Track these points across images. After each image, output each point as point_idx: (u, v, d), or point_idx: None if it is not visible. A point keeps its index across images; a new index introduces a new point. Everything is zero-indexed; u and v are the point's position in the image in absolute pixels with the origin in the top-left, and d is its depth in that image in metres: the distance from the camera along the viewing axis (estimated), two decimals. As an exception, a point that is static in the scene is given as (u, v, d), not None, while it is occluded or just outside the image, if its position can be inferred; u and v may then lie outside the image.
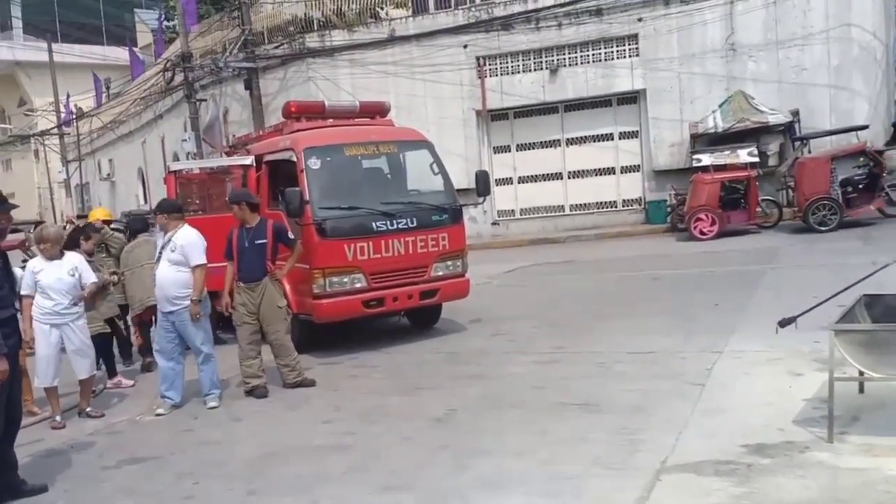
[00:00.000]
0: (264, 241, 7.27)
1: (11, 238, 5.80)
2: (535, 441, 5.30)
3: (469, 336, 9.10)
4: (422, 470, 5.01)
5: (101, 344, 8.08)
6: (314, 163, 8.50)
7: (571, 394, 6.30)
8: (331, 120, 9.62)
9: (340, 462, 5.30)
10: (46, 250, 6.78)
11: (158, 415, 6.94)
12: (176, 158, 26.34)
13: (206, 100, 22.00)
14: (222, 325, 9.29)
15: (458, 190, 9.43)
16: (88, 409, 7.12)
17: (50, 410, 6.94)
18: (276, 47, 19.77)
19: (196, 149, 21.62)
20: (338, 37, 19.30)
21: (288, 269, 7.53)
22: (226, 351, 8.01)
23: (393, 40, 19.11)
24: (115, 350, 8.69)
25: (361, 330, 9.51)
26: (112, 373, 8.35)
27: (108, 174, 35.08)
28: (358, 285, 8.30)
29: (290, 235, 7.56)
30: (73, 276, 6.81)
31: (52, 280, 6.66)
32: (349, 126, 9.47)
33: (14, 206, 5.34)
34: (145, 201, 30.13)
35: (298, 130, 9.20)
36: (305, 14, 19.98)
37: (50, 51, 34.48)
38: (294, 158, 8.62)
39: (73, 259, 6.96)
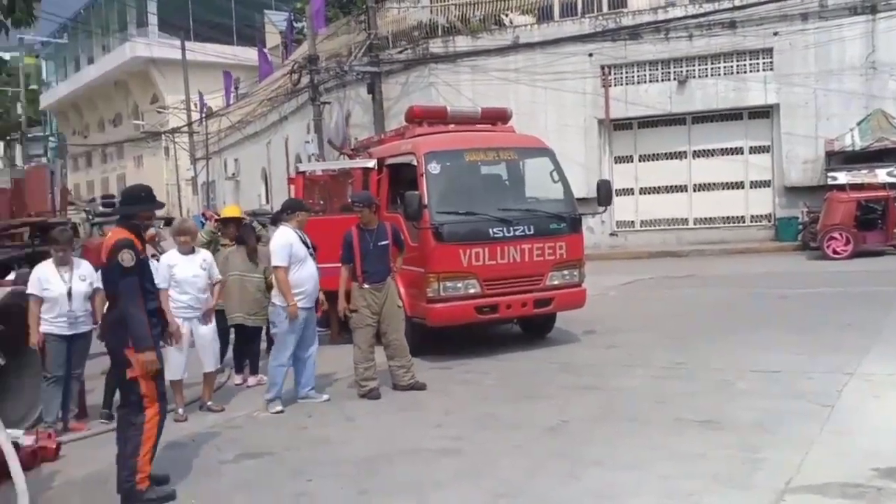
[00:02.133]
0: (387, 242, 7.43)
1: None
2: (650, 455, 5.15)
3: (583, 347, 8.95)
4: (533, 479, 4.95)
5: (251, 336, 8.43)
6: (434, 167, 8.55)
7: (690, 410, 6.10)
8: (452, 125, 9.67)
9: (451, 467, 5.29)
10: (186, 243, 7.08)
11: (277, 412, 7.07)
12: (299, 160, 27.19)
13: (329, 102, 22.57)
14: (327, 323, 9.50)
15: (577, 199, 9.28)
16: (210, 403, 7.32)
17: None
18: (400, 52, 20.09)
19: (318, 151, 22.15)
20: (461, 43, 19.43)
21: (399, 266, 7.78)
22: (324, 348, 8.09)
23: (516, 47, 19.09)
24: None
25: (473, 336, 9.49)
26: (239, 369, 8.54)
27: (234, 173, 36.31)
28: (472, 291, 8.30)
29: (401, 238, 7.79)
30: (204, 269, 7.10)
31: (188, 274, 6.90)
32: (470, 132, 9.49)
33: (162, 205, 5.64)
34: (267, 201, 31.15)
35: (420, 135, 9.29)
36: (430, 20, 20.21)
37: (183, 49, 35.70)
38: (414, 162, 8.71)
39: (205, 254, 7.27)
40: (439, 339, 8.81)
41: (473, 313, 8.34)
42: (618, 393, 6.86)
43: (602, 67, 19.05)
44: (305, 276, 7.11)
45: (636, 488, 4.60)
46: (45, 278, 6.76)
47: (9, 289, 7.11)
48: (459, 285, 8.25)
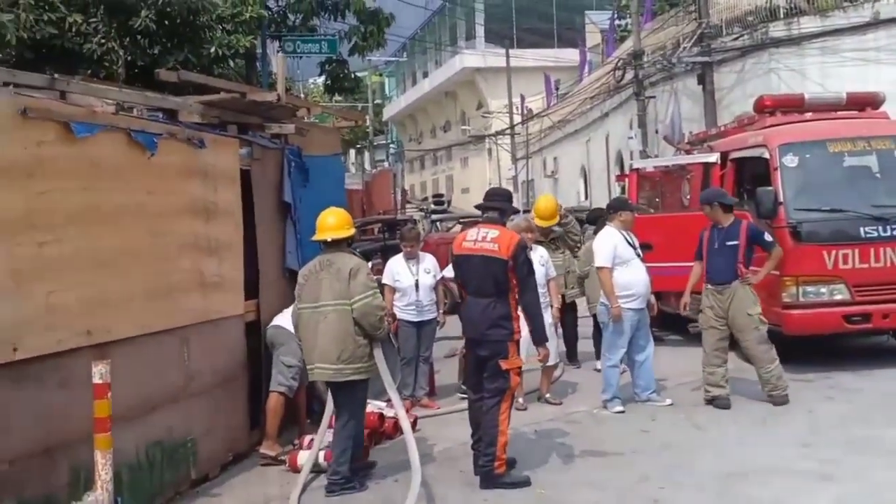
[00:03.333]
0: (736, 242, 6.83)
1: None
2: None
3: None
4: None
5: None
6: (790, 160, 7.85)
7: None
8: (809, 114, 8.79)
9: (828, 493, 4.76)
10: (530, 240, 7.21)
11: (617, 412, 6.89)
12: (620, 157, 26.89)
13: (654, 97, 21.93)
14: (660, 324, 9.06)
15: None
16: (548, 396, 7.40)
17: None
18: (735, 39, 18.84)
19: (642, 146, 21.67)
20: (808, 24, 17.67)
21: (763, 274, 6.94)
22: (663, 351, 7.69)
23: (877, 24, 16.88)
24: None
25: (835, 347, 8.47)
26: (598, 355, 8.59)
27: (552, 171, 37.05)
28: (838, 297, 7.46)
29: (768, 238, 6.93)
30: (542, 265, 7.16)
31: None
32: (833, 120, 8.55)
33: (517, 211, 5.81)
34: (585, 198, 31.25)
35: (772, 125, 8.55)
36: (768, 2, 18.67)
37: (507, 58, 37.39)
38: (766, 155, 8.07)
39: (542, 251, 7.34)
40: (796, 348, 7.93)
41: (840, 322, 7.47)
42: None
43: None
44: (634, 277, 6.89)
45: None
46: (397, 270, 7.46)
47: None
48: (823, 290, 7.46)
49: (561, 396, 7.54)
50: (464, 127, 47.60)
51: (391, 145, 60.52)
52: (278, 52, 13.58)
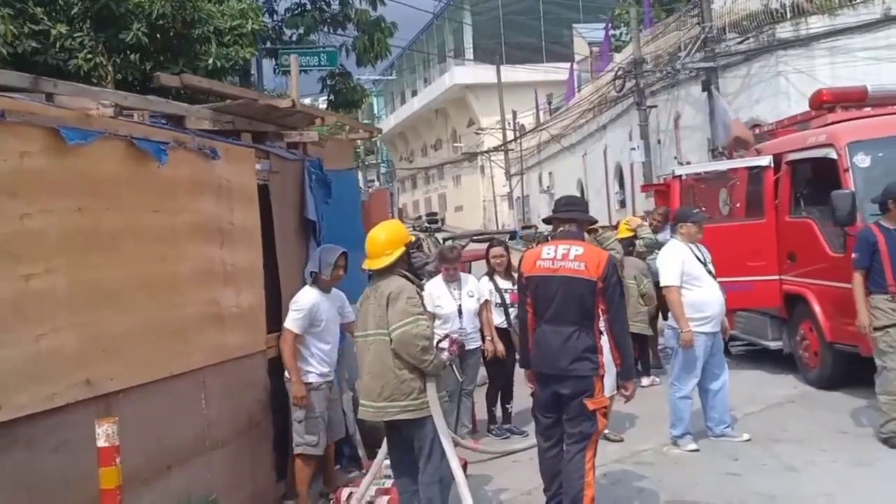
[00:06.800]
0: None
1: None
2: None
3: None
4: None
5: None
6: (862, 160, 7.07)
7: None
8: (867, 109, 8.02)
9: None
10: None
11: (691, 450, 6.05)
12: (619, 169, 26.28)
13: (656, 106, 21.36)
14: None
15: None
16: (606, 431, 6.56)
17: None
18: (740, 42, 18.24)
19: (645, 158, 21.16)
20: (816, 23, 17.07)
21: None
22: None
23: (888, 21, 16.28)
24: None
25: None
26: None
27: (548, 187, 36.47)
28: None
29: None
30: None
31: None
32: (900, 113, 7.78)
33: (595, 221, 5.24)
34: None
35: (834, 122, 7.78)
36: (766, 6, 18.05)
37: (498, 74, 37.06)
38: (833, 155, 7.29)
39: None
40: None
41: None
42: None
43: None
44: (707, 296, 6.10)
45: None
46: (437, 295, 6.64)
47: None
48: (908, 307, 6.59)
49: (620, 430, 6.67)
50: (456, 144, 47.26)
51: (382, 165, 59.90)
52: (275, 69, 13.00)
